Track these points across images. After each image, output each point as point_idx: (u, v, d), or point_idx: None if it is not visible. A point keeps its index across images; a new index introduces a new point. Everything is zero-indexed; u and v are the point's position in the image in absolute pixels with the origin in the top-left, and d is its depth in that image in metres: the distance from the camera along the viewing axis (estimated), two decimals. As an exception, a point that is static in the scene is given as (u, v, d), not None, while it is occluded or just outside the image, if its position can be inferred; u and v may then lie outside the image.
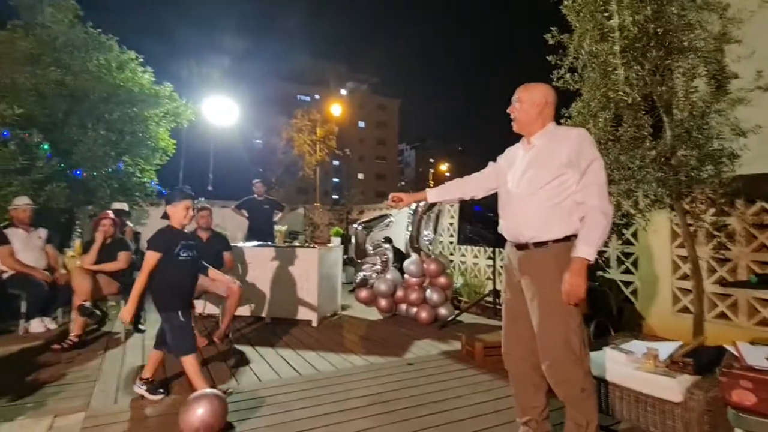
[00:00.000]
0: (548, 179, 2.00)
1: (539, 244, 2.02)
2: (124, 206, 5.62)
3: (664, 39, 3.59)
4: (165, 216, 2.81)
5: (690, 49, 3.57)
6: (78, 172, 6.06)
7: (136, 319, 4.56)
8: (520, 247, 2.10)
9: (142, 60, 6.90)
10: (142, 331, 4.46)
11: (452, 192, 2.50)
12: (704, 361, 2.21)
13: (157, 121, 7.10)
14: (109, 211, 4.53)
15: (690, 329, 3.63)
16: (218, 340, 4.11)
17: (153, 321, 4.90)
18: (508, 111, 2.19)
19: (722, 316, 3.77)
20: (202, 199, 8.20)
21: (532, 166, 2.08)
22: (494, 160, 2.42)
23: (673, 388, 2.13)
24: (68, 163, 6.00)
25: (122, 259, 4.28)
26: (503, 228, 2.21)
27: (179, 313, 2.66)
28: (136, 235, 5.61)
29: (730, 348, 2.00)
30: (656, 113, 3.70)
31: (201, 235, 4.49)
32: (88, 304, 3.88)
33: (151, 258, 2.64)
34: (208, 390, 2.39)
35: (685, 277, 4.00)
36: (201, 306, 4.81)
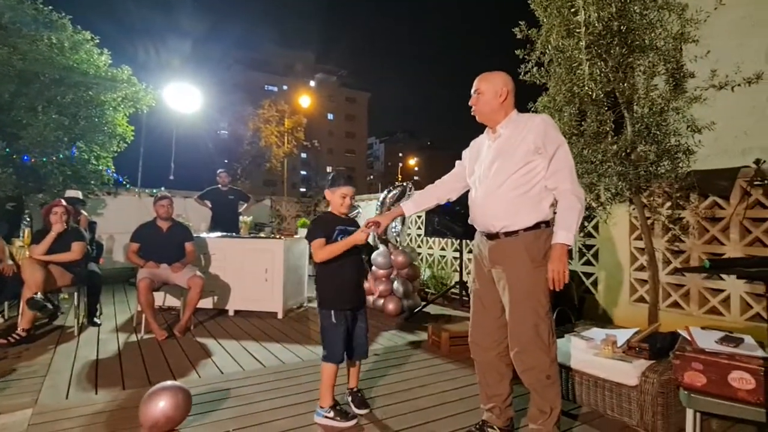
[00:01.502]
0: (516, 167, 2.00)
1: (510, 233, 2.03)
2: (78, 194, 5.34)
3: (626, 37, 3.68)
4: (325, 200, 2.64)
5: (650, 47, 3.69)
6: (26, 158, 5.69)
7: (92, 312, 4.37)
8: (491, 236, 2.10)
9: (98, 41, 6.53)
10: (98, 325, 4.27)
11: (427, 200, 2.45)
12: (659, 346, 2.30)
13: (114, 106, 6.73)
14: (62, 200, 4.28)
15: (646, 318, 3.78)
16: (179, 333, 3.98)
17: (109, 315, 4.71)
18: (470, 104, 2.17)
19: (675, 305, 3.95)
20: (163, 188, 7.91)
21: (499, 155, 2.07)
22: (460, 157, 2.41)
23: (629, 373, 2.21)
24: (15, 148, 5.63)
25: (76, 250, 4.06)
26: (474, 218, 2.20)
27: (332, 312, 2.42)
28: (91, 225, 5.35)
29: (683, 333, 2.08)
30: (618, 109, 3.80)
31: (161, 225, 4.32)
32: (38, 296, 3.67)
33: (316, 246, 2.40)
34: (169, 382, 2.29)
35: (642, 268, 4.16)
36: (161, 298, 4.65)
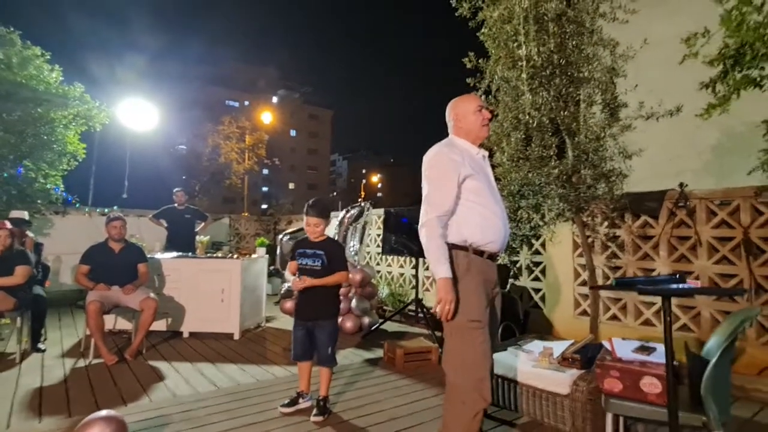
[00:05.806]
0: None
1: None
2: (24, 215, 5.13)
3: (566, 69, 3.99)
4: None
5: (588, 79, 4.01)
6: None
7: (36, 338, 4.20)
8: (495, 257, 2.01)
9: (48, 57, 6.38)
10: (42, 351, 4.10)
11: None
12: (589, 356, 2.49)
13: (65, 124, 6.54)
14: (6, 221, 4.13)
15: (588, 330, 4.03)
16: (130, 356, 3.88)
17: (54, 340, 4.53)
18: (489, 117, 2.09)
19: (614, 317, 4.23)
20: (115, 207, 7.69)
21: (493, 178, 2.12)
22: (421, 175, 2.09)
23: (562, 382, 2.38)
24: (-44, 166, 5.39)
25: (19, 274, 3.89)
26: (499, 236, 1.96)
27: (294, 320, 2.93)
28: (37, 246, 5.14)
29: (606, 343, 2.28)
30: (560, 136, 4.09)
31: (113, 246, 4.23)
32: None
33: (288, 268, 2.99)
34: (104, 412, 2.21)
35: (584, 283, 4.43)
36: (111, 321, 4.52)
